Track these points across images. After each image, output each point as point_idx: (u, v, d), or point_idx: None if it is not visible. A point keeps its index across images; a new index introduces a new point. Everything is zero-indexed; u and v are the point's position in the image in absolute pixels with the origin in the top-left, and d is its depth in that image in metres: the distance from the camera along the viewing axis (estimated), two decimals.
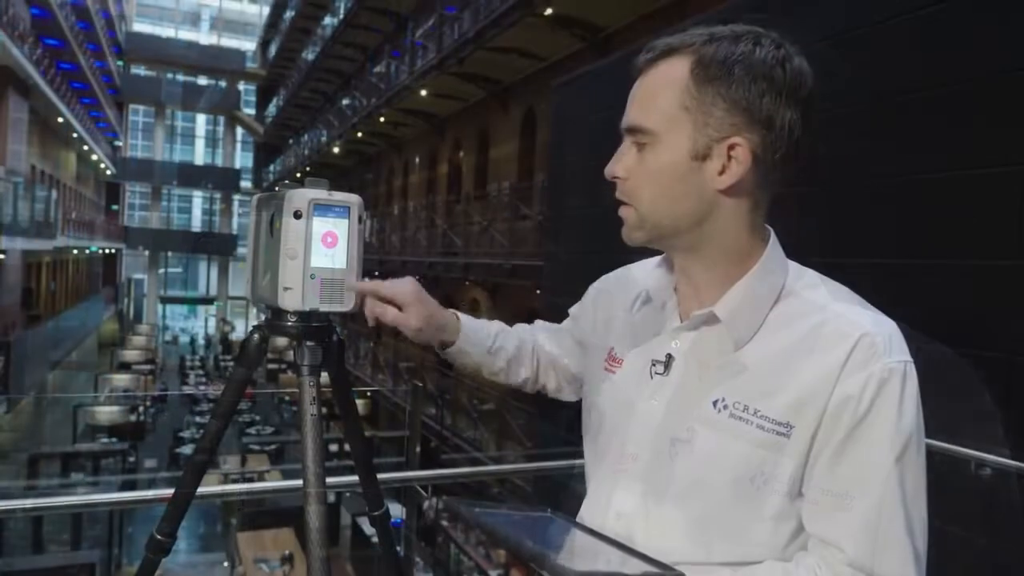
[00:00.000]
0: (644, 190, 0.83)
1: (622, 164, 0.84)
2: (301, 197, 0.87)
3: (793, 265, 0.88)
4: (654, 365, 0.89)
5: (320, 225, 0.88)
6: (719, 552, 0.82)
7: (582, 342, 1.08)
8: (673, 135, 0.80)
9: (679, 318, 0.89)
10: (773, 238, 0.88)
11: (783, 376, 0.80)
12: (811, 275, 0.88)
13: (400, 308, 0.96)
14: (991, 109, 1.78)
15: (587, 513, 0.96)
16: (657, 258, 0.95)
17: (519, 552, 0.74)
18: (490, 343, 1.07)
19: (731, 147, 0.80)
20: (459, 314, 1.06)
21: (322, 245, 0.88)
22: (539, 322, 1.18)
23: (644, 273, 0.97)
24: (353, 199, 0.91)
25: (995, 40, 1.78)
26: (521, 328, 1.15)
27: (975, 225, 1.81)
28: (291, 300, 0.88)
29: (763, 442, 0.79)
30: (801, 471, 0.79)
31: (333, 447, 10.81)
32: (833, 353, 0.78)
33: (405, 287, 0.97)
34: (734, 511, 0.81)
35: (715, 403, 0.82)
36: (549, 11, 8.98)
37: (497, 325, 1.11)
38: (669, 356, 0.88)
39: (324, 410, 0.93)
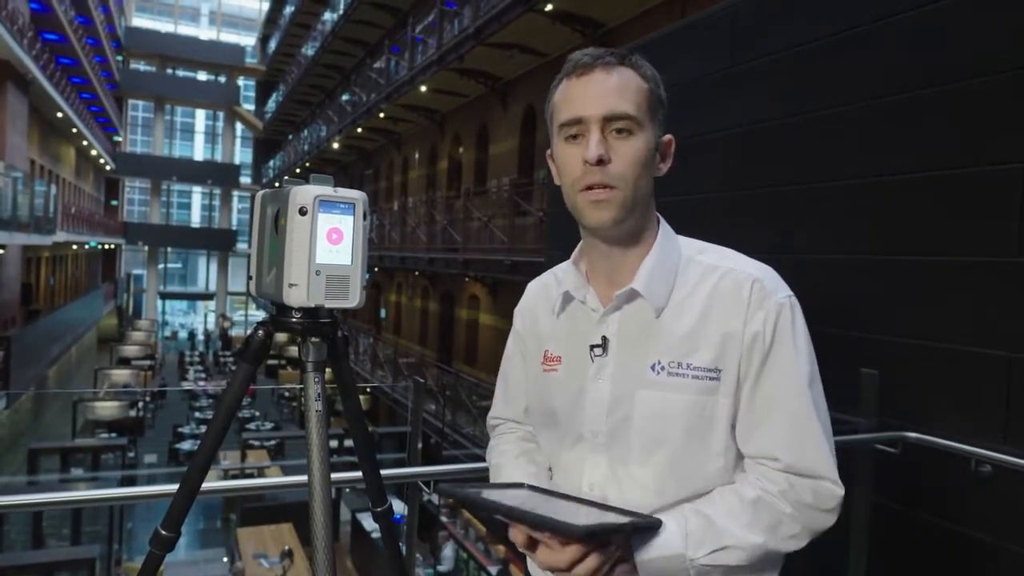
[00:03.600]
0: (631, 172, 0.94)
1: (606, 149, 0.93)
2: (306, 193, 0.87)
3: (683, 238, 1.03)
4: (592, 350, 0.99)
5: (325, 221, 0.88)
6: (682, 493, 0.94)
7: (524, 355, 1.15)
8: (647, 127, 0.95)
9: (602, 305, 1.00)
10: (663, 219, 1.03)
11: (702, 330, 0.94)
12: (699, 243, 1.02)
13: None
14: (993, 107, 1.78)
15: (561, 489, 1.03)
16: (563, 264, 1.08)
17: (522, 519, 0.81)
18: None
19: (668, 143, 1.00)
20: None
21: (327, 241, 0.89)
22: (510, 435, 1.21)
23: (557, 279, 1.09)
24: (358, 195, 0.91)
25: (995, 38, 1.78)
26: (533, 463, 1.12)
27: (976, 223, 1.81)
28: (296, 296, 0.89)
29: (701, 388, 0.93)
30: (735, 407, 0.93)
31: (333, 443, 10.82)
32: (735, 301, 0.93)
33: None
34: (691, 455, 0.94)
35: (653, 367, 0.95)
36: (550, 7, 8.96)
37: (515, 471, 1.10)
38: (604, 338, 0.99)
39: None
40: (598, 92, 0.93)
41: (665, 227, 1.02)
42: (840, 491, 0.91)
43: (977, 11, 1.84)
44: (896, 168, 2.01)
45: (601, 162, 0.92)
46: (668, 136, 1.00)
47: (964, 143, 1.85)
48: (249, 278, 0.98)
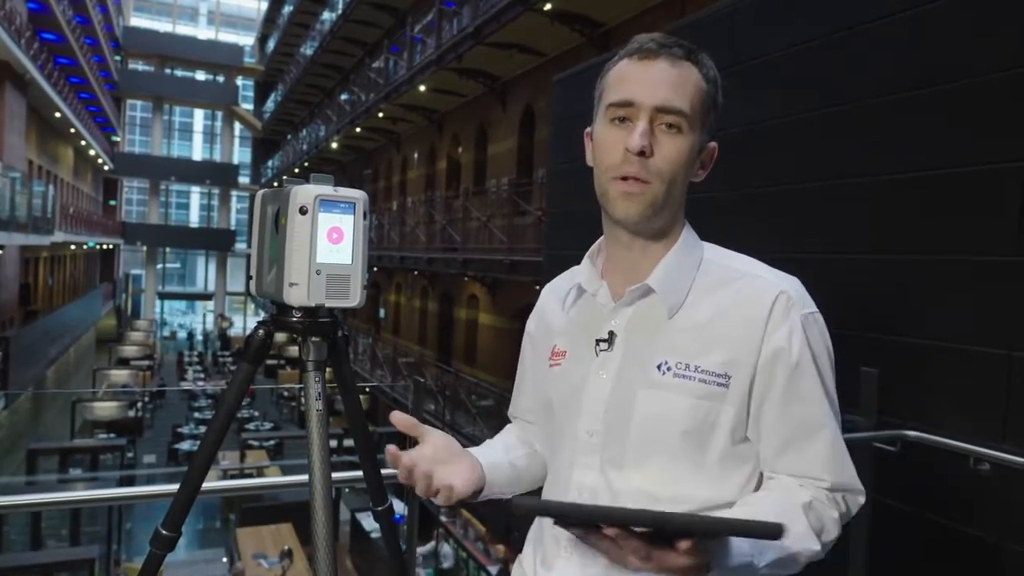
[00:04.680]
0: (668, 170, 0.90)
1: (650, 141, 0.89)
2: (307, 193, 0.87)
3: (707, 244, 1.00)
4: (598, 344, 0.96)
5: (326, 221, 0.88)
6: (676, 502, 0.89)
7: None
8: (696, 129, 0.91)
9: (613, 300, 0.97)
10: (687, 222, 1.00)
11: (716, 333, 0.90)
12: (724, 250, 0.99)
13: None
14: (992, 106, 1.78)
15: (549, 493, 1.01)
16: (578, 265, 1.05)
17: (638, 520, 0.69)
18: (514, 475, 1.06)
19: (712, 151, 0.96)
20: (479, 458, 1.01)
21: (328, 241, 0.89)
22: (513, 422, 1.19)
23: (570, 276, 1.06)
24: (358, 195, 0.91)
25: (993, 38, 1.79)
26: (517, 436, 1.14)
27: (975, 222, 1.82)
28: (297, 296, 0.89)
29: (706, 393, 0.89)
30: (742, 417, 0.90)
31: (332, 442, 10.78)
32: (757, 309, 0.89)
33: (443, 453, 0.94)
34: (687, 462, 0.89)
35: (659, 367, 0.91)
36: (548, 6, 8.96)
37: (507, 454, 1.08)
38: (611, 333, 0.96)
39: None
40: (657, 80, 0.89)
41: (689, 230, 0.99)
42: (863, 499, 0.92)
43: (976, 11, 1.84)
44: (895, 167, 2.01)
45: (643, 153, 0.88)
46: (713, 144, 0.96)
47: (963, 142, 1.85)
48: (249, 278, 0.98)
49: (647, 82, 0.89)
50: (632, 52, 0.92)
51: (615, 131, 0.91)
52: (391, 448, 0.89)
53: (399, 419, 0.93)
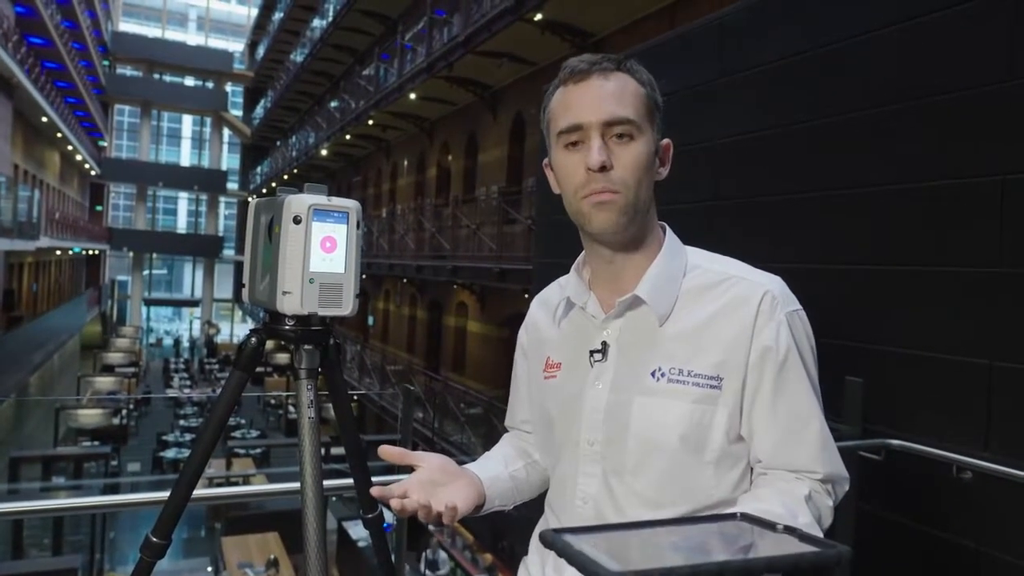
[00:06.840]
0: (632, 177, 0.93)
1: (607, 155, 0.92)
2: (301, 202, 0.88)
3: (691, 248, 1.02)
4: (592, 355, 0.98)
5: (319, 230, 0.89)
6: (677, 505, 0.91)
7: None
8: (646, 132, 0.95)
9: (603, 311, 0.99)
10: (668, 227, 1.02)
11: (706, 337, 0.92)
12: (707, 253, 1.02)
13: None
14: (975, 120, 1.82)
15: (554, 504, 1.03)
16: (565, 276, 1.08)
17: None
18: (513, 487, 1.08)
19: (667, 147, 1.00)
20: (479, 473, 1.02)
21: (321, 250, 0.89)
22: (509, 432, 1.21)
23: (560, 286, 1.08)
24: (352, 204, 0.92)
25: (976, 52, 1.82)
26: (514, 447, 1.16)
27: (958, 234, 1.85)
28: (290, 304, 0.89)
29: (700, 397, 0.91)
30: (736, 416, 0.92)
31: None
32: (745, 310, 0.92)
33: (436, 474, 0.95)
34: (685, 465, 0.91)
35: (653, 374, 0.93)
36: (539, 16, 9.01)
37: (506, 467, 1.09)
38: (604, 344, 0.98)
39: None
40: (596, 97, 0.92)
41: (672, 235, 1.01)
42: (848, 486, 0.96)
43: (960, 26, 1.88)
44: (881, 179, 2.04)
45: (604, 168, 0.91)
46: (666, 140, 1.00)
47: (946, 155, 1.88)
48: (242, 285, 0.99)
49: (588, 102, 0.92)
50: (565, 78, 0.96)
51: (572, 155, 0.94)
52: (376, 489, 0.91)
53: (388, 452, 0.94)
